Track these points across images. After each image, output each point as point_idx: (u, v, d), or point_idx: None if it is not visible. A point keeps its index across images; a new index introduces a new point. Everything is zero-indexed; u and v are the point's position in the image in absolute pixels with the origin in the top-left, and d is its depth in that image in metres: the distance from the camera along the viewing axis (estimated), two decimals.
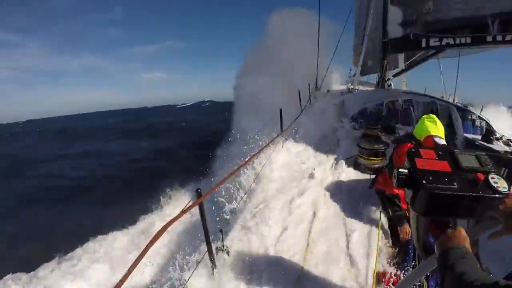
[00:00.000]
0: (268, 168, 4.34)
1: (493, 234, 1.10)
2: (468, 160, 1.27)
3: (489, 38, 5.85)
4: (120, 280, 1.31)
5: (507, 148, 5.70)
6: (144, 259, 1.48)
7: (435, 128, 2.70)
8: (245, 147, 4.99)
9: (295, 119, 6.98)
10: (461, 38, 6.55)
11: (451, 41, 6.87)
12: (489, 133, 6.08)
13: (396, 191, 2.72)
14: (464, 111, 7.16)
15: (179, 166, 14.91)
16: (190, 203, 2.08)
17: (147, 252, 1.52)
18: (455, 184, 1.14)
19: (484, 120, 6.90)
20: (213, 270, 2.34)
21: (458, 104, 7.33)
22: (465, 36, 6.42)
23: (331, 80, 13.90)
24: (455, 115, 7.04)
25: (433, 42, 7.33)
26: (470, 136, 6.52)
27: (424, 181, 1.15)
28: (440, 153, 1.33)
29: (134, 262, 1.41)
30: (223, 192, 3.32)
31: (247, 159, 3.45)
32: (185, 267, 2.50)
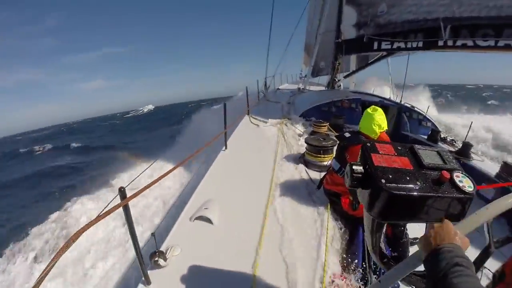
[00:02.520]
0: (211, 166, 4.10)
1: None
2: (430, 156, 1.13)
3: (441, 43, 5.96)
4: None
5: (451, 148, 5.88)
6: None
7: (385, 122, 2.80)
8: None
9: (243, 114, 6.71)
10: (412, 42, 6.63)
11: (402, 45, 6.97)
12: (434, 133, 6.24)
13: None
14: (411, 111, 7.37)
15: None
16: (110, 205, 1.66)
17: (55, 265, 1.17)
18: (418, 183, 1.00)
19: (430, 120, 7.14)
20: (147, 281, 2.02)
21: (406, 104, 7.51)
22: (417, 40, 6.49)
23: (280, 79, 13.75)
24: (403, 115, 7.23)
25: (385, 45, 7.40)
26: (415, 135, 6.68)
27: (383, 180, 1.00)
28: (399, 148, 1.19)
29: (38, 280, 1.08)
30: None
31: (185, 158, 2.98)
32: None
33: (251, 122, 6.66)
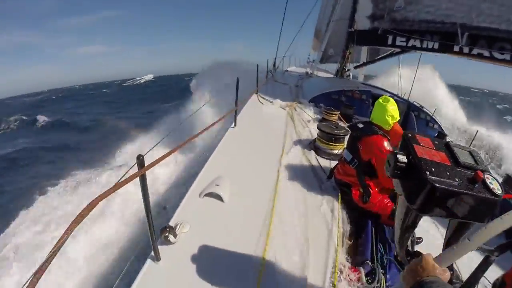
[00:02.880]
0: (221, 142, 4.02)
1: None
2: (464, 155, 1.14)
3: (456, 48, 5.97)
4: (42, 265, 0.93)
5: None
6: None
7: (398, 113, 2.78)
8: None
9: (252, 92, 6.51)
10: (428, 42, 6.63)
11: (417, 44, 6.95)
12: (441, 136, 6.40)
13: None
14: (419, 111, 7.48)
15: None
16: (128, 174, 1.55)
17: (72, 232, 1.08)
18: (456, 179, 1.02)
19: (437, 122, 7.30)
20: (156, 257, 1.96)
21: (415, 102, 7.62)
22: (433, 41, 6.49)
23: (289, 61, 13.59)
24: (411, 114, 7.35)
25: (400, 41, 7.36)
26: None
27: (427, 172, 1.00)
28: (436, 142, 1.19)
29: (56, 245, 0.99)
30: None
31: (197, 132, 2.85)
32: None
33: (259, 101, 6.62)
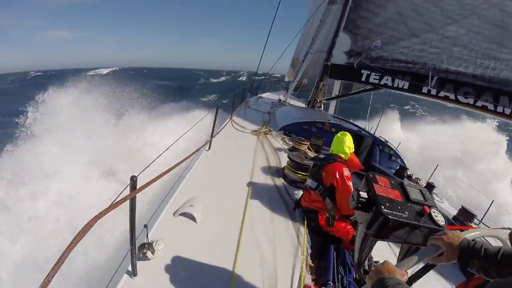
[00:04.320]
0: (195, 164, 4.13)
1: (434, 259, 1.17)
2: (415, 193, 1.43)
3: (425, 90, 6.35)
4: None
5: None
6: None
7: (353, 144, 3.24)
8: None
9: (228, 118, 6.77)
10: (399, 82, 6.99)
11: (389, 82, 7.32)
12: (402, 170, 6.58)
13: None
14: (383, 145, 7.72)
15: None
16: (122, 195, 1.67)
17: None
18: (406, 212, 1.30)
19: (400, 156, 7.54)
20: (133, 273, 2.03)
21: (381, 137, 7.88)
22: (404, 80, 6.85)
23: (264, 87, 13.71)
24: (376, 148, 7.56)
25: (373, 79, 7.72)
26: (384, 168, 7.02)
27: (382, 207, 1.28)
28: (392, 182, 1.51)
29: (55, 265, 1.02)
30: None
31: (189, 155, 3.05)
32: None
33: (233, 126, 6.61)
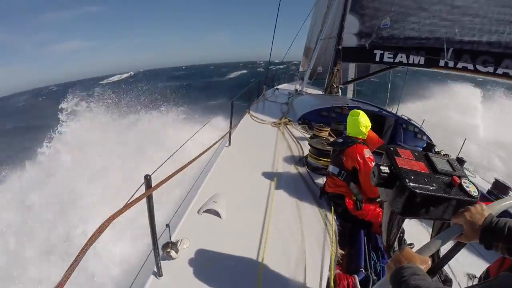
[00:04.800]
0: (217, 161, 4.17)
1: (457, 239, 1.09)
2: (442, 163, 1.30)
3: (442, 63, 6.16)
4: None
5: None
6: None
7: (369, 120, 3.06)
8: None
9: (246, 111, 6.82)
10: (414, 58, 6.83)
11: (404, 60, 7.15)
12: (429, 147, 6.46)
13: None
14: (407, 123, 7.58)
15: None
16: (137, 194, 1.65)
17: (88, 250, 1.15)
18: (434, 185, 1.18)
19: (425, 133, 7.39)
20: (158, 273, 2.04)
21: (403, 116, 7.73)
22: (419, 56, 6.68)
23: (279, 81, 13.76)
24: (399, 127, 7.45)
25: (387, 58, 7.57)
26: (411, 147, 6.92)
27: (407, 180, 1.17)
28: (416, 154, 1.38)
29: (71, 266, 1.05)
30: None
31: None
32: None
33: (251, 119, 6.73)
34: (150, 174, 1.68)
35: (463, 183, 1.20)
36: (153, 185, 1.70)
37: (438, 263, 1.19)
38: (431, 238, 1.30)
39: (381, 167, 1.27)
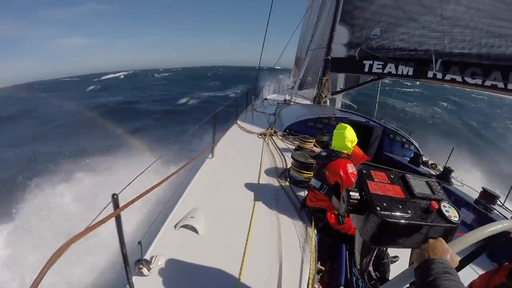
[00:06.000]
0: (197, 174, 4.08)
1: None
2: (420, 186, 1.21)
3: (430, 74, 6.09)
4: None
5: (432, 172, 5.99)
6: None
7: (355, 136, 3.00)
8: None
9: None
10: (403, 68, 6.75)
11: (393, 70, 7.08)
12: (416, 157, 6.35)
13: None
14: (394, 134, 7.50)
15: None
16: (102, 214, 1.59)
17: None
18: (409, 211, 1.08)
19: (413, 143, 7.30)
20: None
21: (390, 127, 7.64)
22: (408, 66, 6.61)
23: (268, 89, 13.65)
24: (386, 137, 7.35)
25: (376, 68, 7.49)
26: (398, 157, 6.81)
27: (378, 208, 1.07)
28: (392, 176, 1.27)
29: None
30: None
31: (178, 168, 2.96)
32: None
33: (238, 130, 6.62)
34: (117, 194, 1.63)
35: (442, 208, 1.10)
36: (121, 204, 1.66)
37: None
38: (409, 262, 1.24)
39: (351, 193, 1.18)
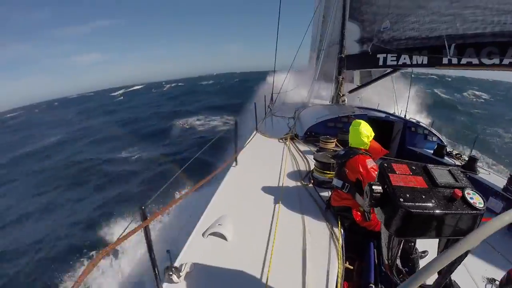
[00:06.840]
0: (223, 182, 4.19)
1: None
2: (442, 175, 1.20)
3: (445, 61, 5.92)
4: None
5: (457, 162, 5.80)
6: None
7: (371, 130, 3.01)
8: None
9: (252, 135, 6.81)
10: (417, 58, 6.63)
11: (407, 61, 6.96)
12: (440, 148, 6.16)
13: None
14: (416, 126, 7.31)
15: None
16: (130, 226, 1.74)
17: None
18: (433, 201, 1.07)
19: (435, 135, 7.08)
20: None
21: (411, 119, 7.45)
22: (422, 55, 6.48)
23: (286, 94, 13.74)
24: (408, 131, 7.18)
25: (390, 61, 7.40)
26: (421, 150, 6.63)
27: (401, 199, 1.07)
28: (413, 168, 1.27)
29: None
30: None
31: (203, 180, 3.05)
32: None
33: (259, 137, 6.78)
34: (144, 206, 1.69)
35: (466, 195, 1.09)
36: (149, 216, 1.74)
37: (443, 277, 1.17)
38: (438, 251, 1.24)
39: (373, 187, 1.18)
